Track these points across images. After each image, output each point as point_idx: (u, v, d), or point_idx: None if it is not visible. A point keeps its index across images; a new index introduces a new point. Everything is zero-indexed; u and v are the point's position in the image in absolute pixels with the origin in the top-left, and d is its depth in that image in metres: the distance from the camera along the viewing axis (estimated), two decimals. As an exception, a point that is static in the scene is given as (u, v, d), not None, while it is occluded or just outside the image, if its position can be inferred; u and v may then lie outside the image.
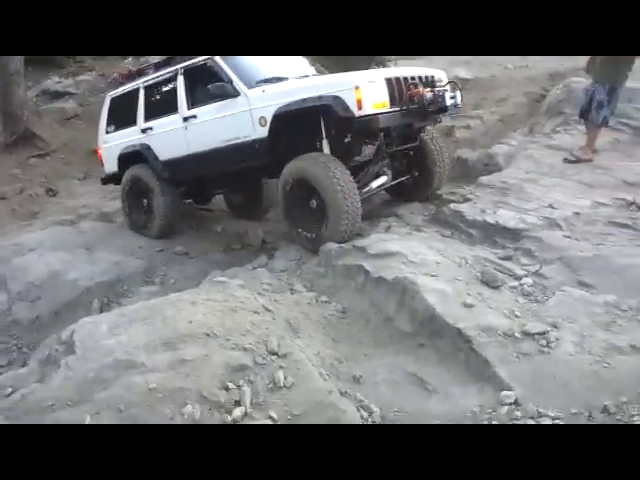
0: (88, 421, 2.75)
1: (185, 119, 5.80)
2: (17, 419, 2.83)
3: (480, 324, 3.43)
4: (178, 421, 2.77)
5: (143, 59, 11.95)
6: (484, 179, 5.69)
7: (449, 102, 4.84)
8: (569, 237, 4.42)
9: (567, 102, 6.97)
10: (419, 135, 5.50)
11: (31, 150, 10.50)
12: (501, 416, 2.88)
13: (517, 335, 3.34)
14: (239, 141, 5.30)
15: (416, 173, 5.70)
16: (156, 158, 6.27)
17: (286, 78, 5.37)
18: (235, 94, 5.23)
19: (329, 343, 3.73)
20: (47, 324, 5.29)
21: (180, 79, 5.90)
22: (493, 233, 4.72)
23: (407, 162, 5.70)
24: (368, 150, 5.26)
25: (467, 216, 4.95)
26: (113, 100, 6.95)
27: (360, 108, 4.42)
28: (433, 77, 5.09)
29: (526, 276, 4.04)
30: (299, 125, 4.94)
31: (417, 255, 4.18)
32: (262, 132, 5.08)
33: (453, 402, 3.10)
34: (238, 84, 5.25)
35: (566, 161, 5.81)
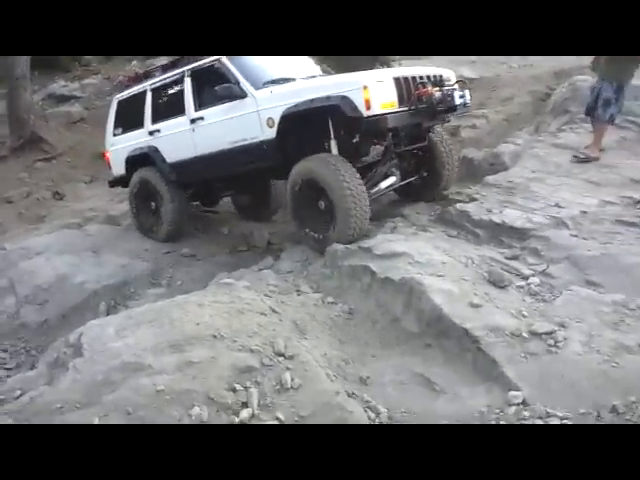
0: (96, 423, 2.76)
1: (192, 121, 5.80)
2: (26, 421, 2.85)
3: (487, 324, 3.42)
4: (186, 423, 2.78)
5: (149, 62, 11.98)
6: (490, 178, 5.67)
7: (458, 101, 4.82)
8: (576, 236, 4.40)
9: (573, 100, 6.93)
10: (428, 135, 5.48)
11: (37, 154, 10.55)
12: (509, 416, 2.88)
13: (524, 335, 3.33)
14: (247, 142, 5.29)
15: (424, 174, 5.67)
16: (163, 160, 6.27)
17: (293, 79, 5.36)
18: (242, 95, 5.23)
19: (336, 344, 3.73)
20: (55, 327, 5.32)
21: (187, 81, 5.90)
22: (499, 233, 4.70)
23: (415, 162, 5.67)
24: (376, 150, 5.25)
25: (473, 216, 4.93)
26: (120, 103, 6.96)
27: (368, 108, 4.40)
28: (441, 76, 5.07)
29: (533, 276, 4.02)
30: (307, 126, 4.92)
31: (423, 255, 4.17)
32: (270, 133, 5.07)
33: (461, 402, 3.10)
34: (245, 85, 5.24)
35: (575, 160, 5.77)
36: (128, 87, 6.91)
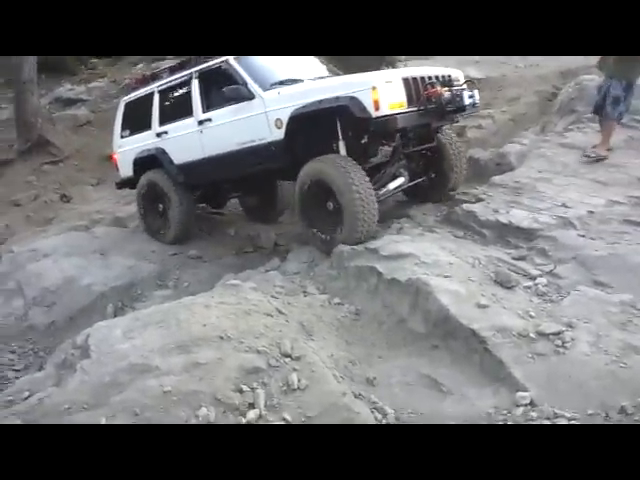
0: (104, 424, 2.77)
1: (200, 122, 5.80)
2: (34, 422, 2.86)
3: (494, 325, 3.41)
4: (192, 424, 2.78)
5: (154, 65, 12.02)
6: (496, 179, 5.65)
7: (467, 101, 4.80)
8: (583, 236, 4.38)
9: (579, 100, 6.89)
10: (436, 135, 5.46)
11: (45, 157, 10.62)
12: (516, 417, 2.87)
13: (532, 335, 3.32)
14: (255, 144, 5.29)
15: (432, 175, 5.65)
16: (171, 162, 6.28)
17: (301, 80, 5.36)
18: (250, 97, 5.23)
19: (342, 345, 3.73)
20: (62, 329, 5.34)
21: (194, 82, 5.91)
22: (506, 233, 4.69)
23: (424, 163, 5.66)
24: (384, 151, 5.25)
25: (480, 216, 4.92)
26: (128, 105, 6.99)
27: (377, 109, 4.38)
28: (450, 76, 5.05)
29: (540, 276, 4.01)
30: (315, 127, 4.92)
31: (430, 256, 4.16)
32: (278, 134, 5.07)
33: (468, 403, 3.09)
34: (253, 86, 5.24)
35: (587, 160, 5.72)
36: (135, 89, 6.93)
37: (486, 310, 3.56)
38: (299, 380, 3.11)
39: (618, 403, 2.80)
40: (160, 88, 6.43)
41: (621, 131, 5.95)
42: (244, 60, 5.43)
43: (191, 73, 5.96)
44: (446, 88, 4.75)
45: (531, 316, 3.53)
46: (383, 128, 4.57)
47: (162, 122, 6.36)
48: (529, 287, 3.89)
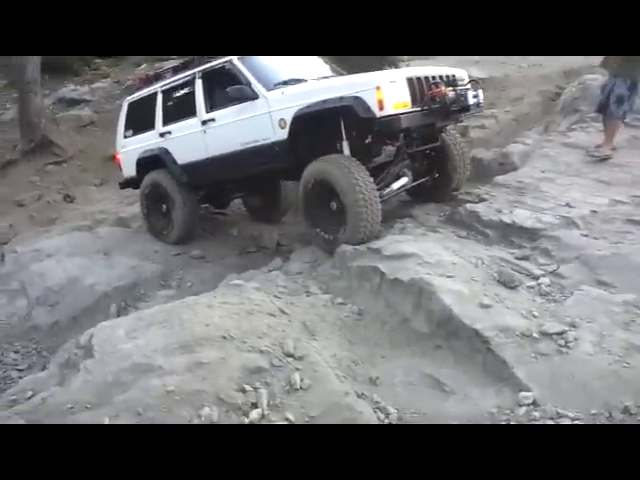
0: (107, 424, 2.77)
1: (204, 122, 5.80)
2: (38, 422, 2.86)
3: (497, 325, 3.41)
4: (195, 423, 2.78)
5: (157, 65, 12.05)
6: (499, 179, 5.65)
7: (471, 101, 4.79)
8: (587, 236, 4.38)
9: (583, 99, 6.89)
10: (440, 135, 5.46)
11: (48, 157, 10.65)
12: (519, 417, 2.86)
13: (535, 335, 3.31)
14: (258, 144, 5.29)
15: (436, 174, 5.65)
16: (174, 162, 6.28)
17: (305, 80, 5.36)
18: (254, 96, 5.22)
19: (345, 345, 3.73)
20: (66, 329, 5.36)
21: (198, 82, 5.91)
22: (509, 233, 4.68)
23: (428, 163, 5.65)
24: (388, 151, 5.24)
25: (483, 216, 4.91)
26: (131, 105, 7.00)
27: (381, 109, 4.37)
28: (454, 76, 5.04)
29: (543, 276, 4.00)
30: (319, 126, 4.91)
31: (433, 256, 4.16)
32: (282, 134, 5.06)
33: (471, 403, 3.08)
34: (257, 86, 5.24)
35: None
36: (139, 89, 6.94)
37: (489, 310, 3.55)
38: (302, 380, 3.11)
39: (621, 403, 2.79)
40: (163, 88, 6.44)
41: (624, 130, 5.94)
42: (248, 60, 5.43)
43: (194, 73, 5.96)
44: (450, 88, 4.74)
45: (534, 316, 3.52)
46: (387, 128, 4.57)
47: (165, 122, 6.36)
48: (532, 287, 3.88)
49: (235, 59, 5.47)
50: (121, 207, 8.49)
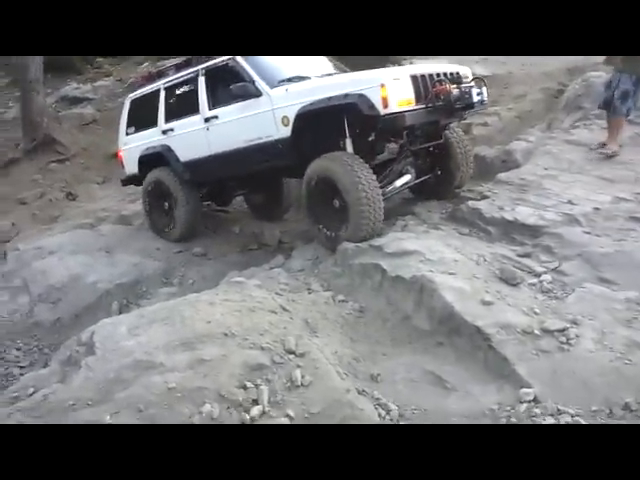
0: (108, 420, 2.78)
1: (206, 120, 5.79)
2: (39, 419, 2.88)
3: (499, 322, 3.41)
4: (196, 420, 2.79)
5: (160, 63, 12.04)
6: (502, 176, 5.63)
7: (476, 99, 4.77)
8: (589, 233, 4.37)
9: (586, 97, 6.86)
10: (443, 132, 5.45)
11: (51, 155, 10.66)
12: (520, 414, 2.86)
13: (536, 332, 3.32)
14: (262, 141, 5.28)
15: (439, 172, 5.64)
16: (177, 159, 6.28)
17: (308, 77, 5.34)
18: (257, 94, 5.21)
19: (347, 342, 3.73)
20: (67, 326, 5.37)
21: (201, 80, 5.90)
22: (512, 230, 4.67)
23: (430, 160, 5.64)
24: (391, 148, 5.23)
25: (485, 213, 4.90)
26: (133, 102, 6.99)
27: (386, 106, 4.36)
28: (459, 73, 5.03)
29: (545, 273, 4.00)
30: (322, 124, 4.90)
31: (435, 253, 4.15)
32: (285, 132, 5.05)
33: (472, 400, 3.08)
34: (260, 84, 5.23)
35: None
36: (141, 86, 6.93)
37: (491, 307, 3.55)
38: (303, 377, 3.11)
39: (622, 399, 2.79)
40: (166, 85, 6.43)
41: (627, 128, 5.91)
42: (251, 57, 5.41)
43: (197, 70, 5.95)
44: (454, 85, 4.73)
45: (536, 313, 3.52)
46: (391, 126, 4.56)
47: (168, 119, 6.36)
48: (534, 284, 3.87)
49: (238, 56, 5.46)
50: (123, 205, 8.49)
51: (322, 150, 4.86)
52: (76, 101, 12.75)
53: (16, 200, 9.57)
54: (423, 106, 4.59)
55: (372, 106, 4.40)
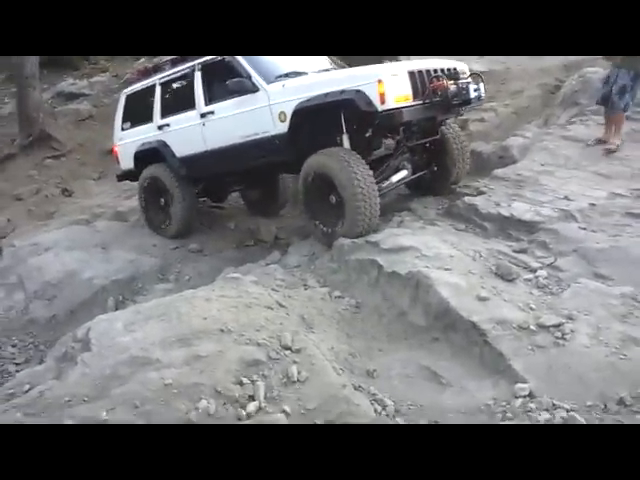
0: (104, 417, 2.78)
1: (203, 115, 5.77)
2: (35, 415, 2.87)
3: (494, 317, 3.42)
4: (193, 416, 2.79)
5: (156, 59, 12.00)
6: (498, 172, 5.64)
7: (473, 94, 4.77)
8: (585, 229, 4.38)
9: (583, 92, 6.87)
10: (440, 128, 5.44)
11: (47, 151, 10.63)
12: (515, 409, 2.87)
13: (532, 328, 3.32)
14: (258, 137, 5.25)
15: (435, 168, 5.64)
16: (173, 155, 6.25)
17: (305, 73, 5.32)
18: (254, 89, 5.18)
19: (343, 338, 3.73)
20: (63, 322, 5.35)
21: (197, 75, 5.86)
22: (508, 226, 4.68)
23: (427, 156, 5.64)
24: (388, 144, 5.22)
25: (481, 209, 4.91)
26: (129, 97, 6.95)
27: (383, 102, 4.35)
28: (456, 69, 5.02)
29: (541, 268, 4.01)
30: (319, 120, 4.88)
31: (431, 249, 4.16)
32: (282, 127, 5.03)
33: (467, 395, 3.09)
34: (257, 79, 5.20)
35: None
36: (137, 81, 6.89)
37: (486, 303, 3.55)
38: (299, 372, 3.11)
39: (617, 394, 2.80)
40: (162, 80, 6.39)
41: (624, 123, 5.92)
42: None
43: (194, 65, 5.91)
44: (452, 81, 4.72)
45: (531, 308, 3.53)
46: (389, 122, 4.55)
47: (164, 115, 6.33)
48: (530, 280, 3.88)
49: None
50: (119, 201, 8.47)
51: (319, 146, 4.84)
52: (72, 97, 12.68)
53: (12, 196, 9.56)
54: (420, 102, 4.57)
55: (369, 102, 4.39)
